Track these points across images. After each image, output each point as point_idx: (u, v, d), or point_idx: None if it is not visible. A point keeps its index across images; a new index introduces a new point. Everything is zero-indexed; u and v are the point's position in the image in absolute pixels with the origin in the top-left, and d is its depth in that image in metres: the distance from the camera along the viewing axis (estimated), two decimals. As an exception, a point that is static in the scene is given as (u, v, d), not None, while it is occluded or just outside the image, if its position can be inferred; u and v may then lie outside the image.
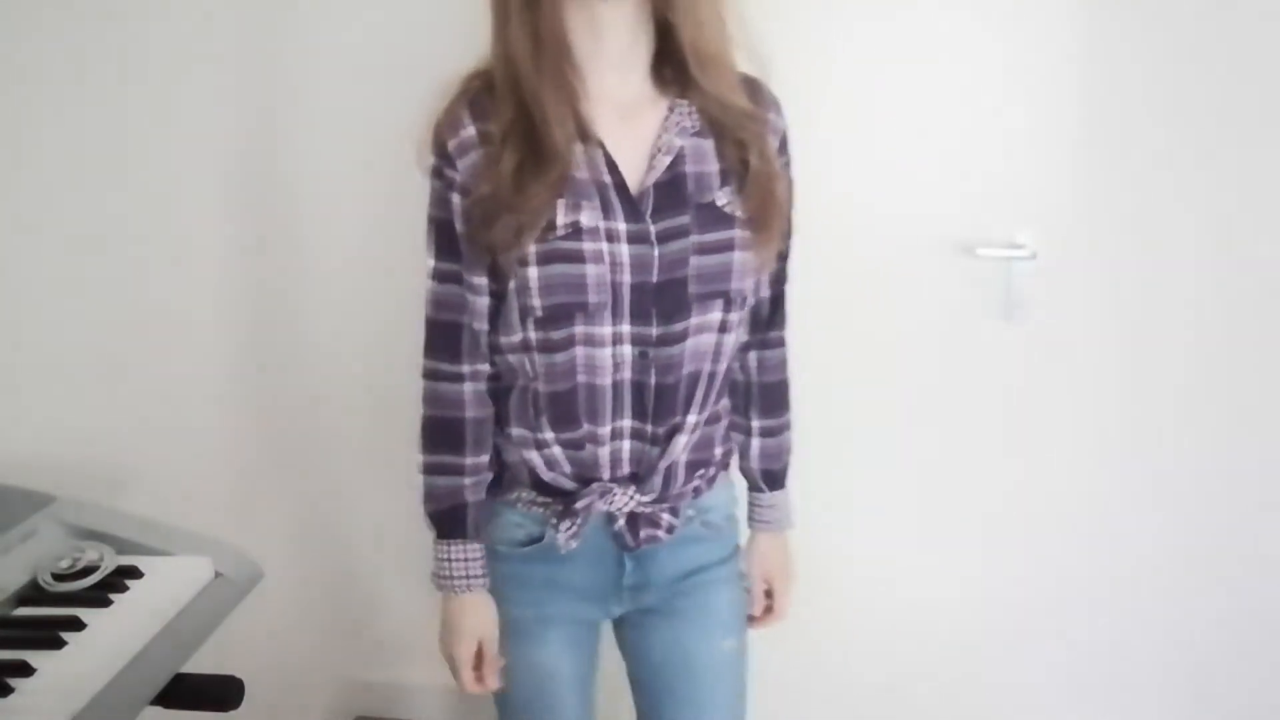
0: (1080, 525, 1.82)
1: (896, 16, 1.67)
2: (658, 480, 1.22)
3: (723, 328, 1.19)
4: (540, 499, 1.24)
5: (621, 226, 1.14)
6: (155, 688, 1.10)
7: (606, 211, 1.13)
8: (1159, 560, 1.81)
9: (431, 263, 1.20)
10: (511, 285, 1.15)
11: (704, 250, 1.15)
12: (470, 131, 1.15)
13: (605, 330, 1.15)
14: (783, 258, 1.29)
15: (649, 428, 1.19)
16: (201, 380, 1.94)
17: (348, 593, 2.09)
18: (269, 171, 1.88)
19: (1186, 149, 1.65)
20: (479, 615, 1.25)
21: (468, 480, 1.23)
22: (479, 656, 1.25)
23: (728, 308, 1.19)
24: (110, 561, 1.25)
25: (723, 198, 1.17)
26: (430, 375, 1.22)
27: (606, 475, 1.20)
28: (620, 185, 1.15)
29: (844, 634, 1.92)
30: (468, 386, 1.21)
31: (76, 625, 1.13)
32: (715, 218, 1.16)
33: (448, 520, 1.23)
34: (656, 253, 1.14)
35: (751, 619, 1.39)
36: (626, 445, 1.20)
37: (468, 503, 1.23)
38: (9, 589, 1.19)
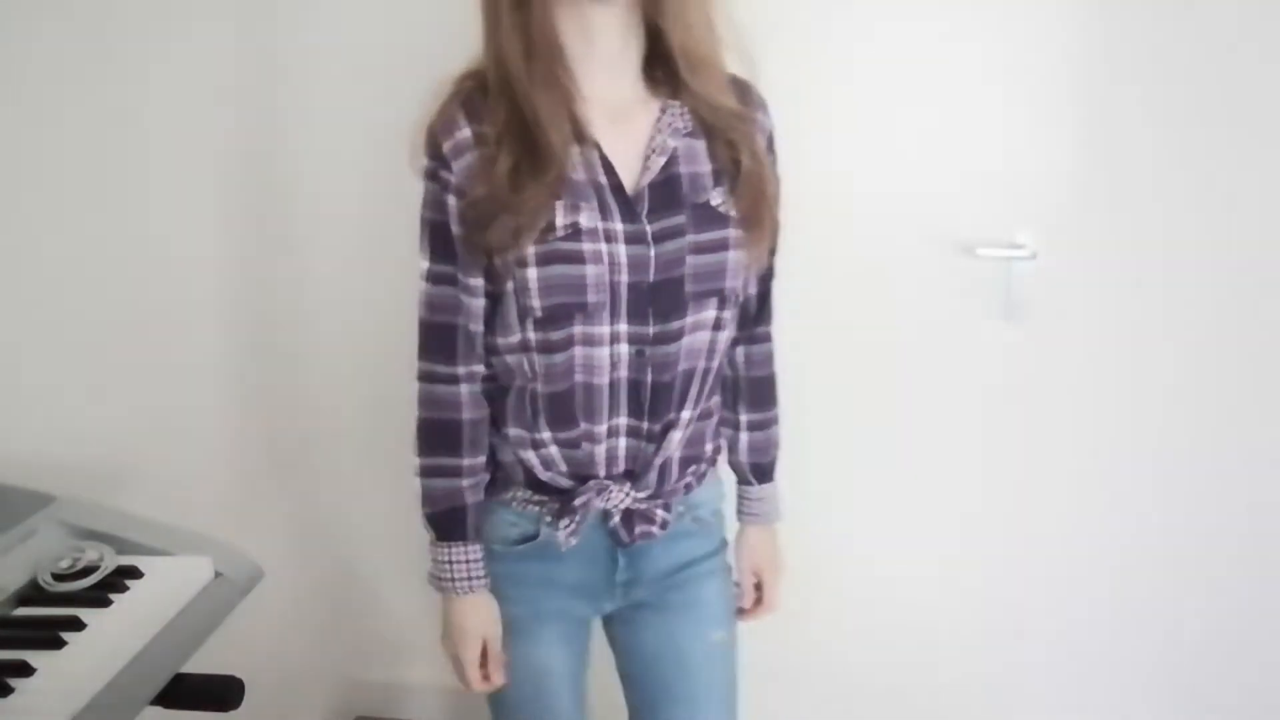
0: (1079, 524, 1.82)
1: (898, 16, 1.67)
2: (653, 477, 1.22)
3: (717, 325, 1.21)
4: (536, 498, 1.24)
5: (618, 227, 1.14)
6: (155, 688, 1.10)
7: (604, 212, 1.14)
8: (1159, 560, 1.81)
9: (425, 264, 1.19)
10: (509, 286, 1.15)
11: (700, 250, 1.16)
12: (465, 133, 1.15)
13: (603, 330, 1.15)
14: (771, 254, 1.30)
15: (645, 425, 1.20)
16: (201, 380, 1.94)
17: (348, 593, 2.09)
18: (269, 172, 1.88)
19: (1187, 149, 1.65)
20: (482, 615, 1.26)
21: (465, 482, 1.23)
22: (484, 655, 1.26)
23: (722, 305, 1.20)
24: (110, 561, 1.25)
25: (717, 197, 1.18)
26: (425, 377, 1.22)
27: (602, 473, 1.21)
28: (616, 186, 1.15)
29: (843, 633, 1.92)
30: (463, 388, 1.22)
31: (76, 625, 1.13)
32: (710, 217, 1.17)
33: (446, 522, 1.23)
34: (653, 253, 1.15)
35: (742, 611, 1.40)
36: (622, 443, 1.21)
37: (467, 504, 1.23)
38: (9, 589, 1.19)
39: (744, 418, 1.37)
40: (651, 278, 1.15)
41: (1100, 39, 1.65)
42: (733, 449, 1.38)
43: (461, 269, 1.18)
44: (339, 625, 2.11)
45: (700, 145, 1.18)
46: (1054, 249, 1.70)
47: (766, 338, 1.37)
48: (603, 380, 1.17)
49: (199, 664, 1.17)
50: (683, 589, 1.30)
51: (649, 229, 1.15)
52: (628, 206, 1.15)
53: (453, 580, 1.24)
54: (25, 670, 1.04)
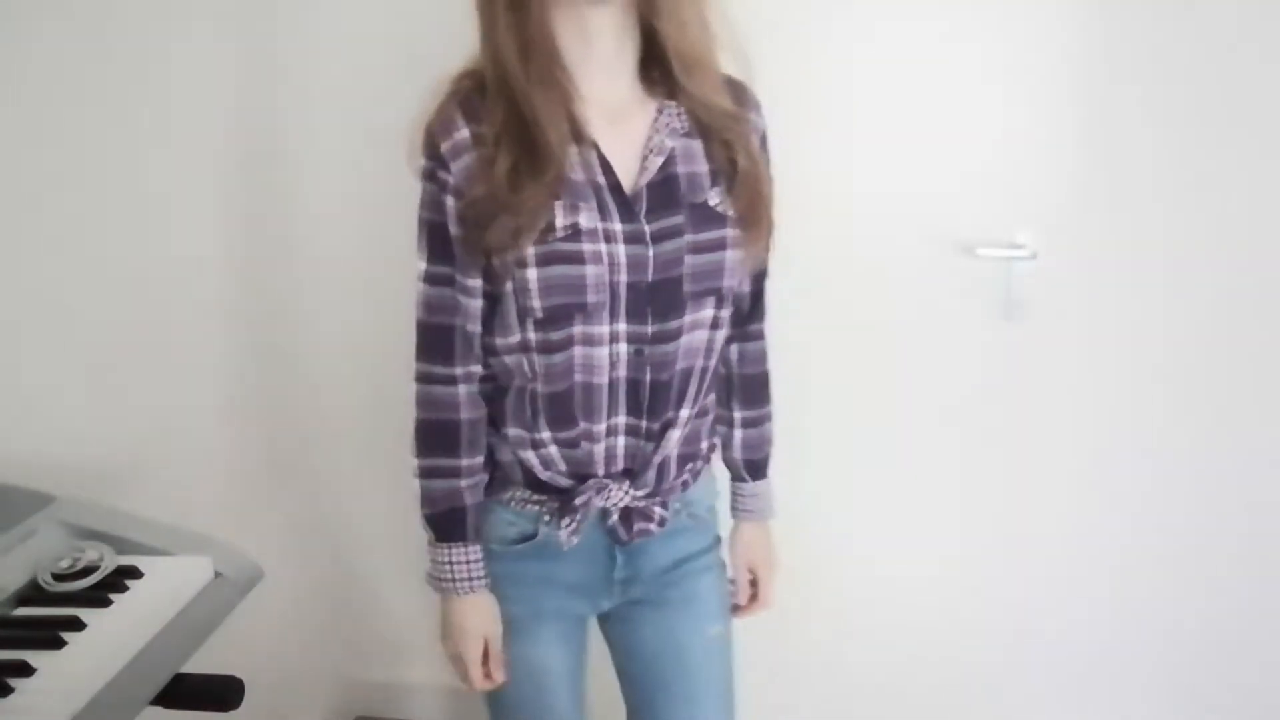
0: (1078, 523, 1.82)
1: (897, 16, 1.67)
2: (651, 475, 1.23)
3: (714, 324, 1.21)
4: (534, 497, 1.24)
5: (617, 227, 1.14)
6: (155, 688, 1.10)
7: (603, 212, 1.14)
8: (1159, 559, 1.81)
9: (423, 265, 1.19)
10: (508, 287, 1.15)
11: (698, 249, 1.17)
12: (464, 134, 1.14)
13: (603, 329, 1.15)
14: (764, 253, 1.30)
15: (644, 424, 1.20)
16: (201, 380, 1.94)
17: (347, 593, 2.09)
18: (269, 172, 1.88)
19: (1187, 149, 1.65)
20: (483, 614, 1.26)
21: (464, 482, 1.23)
22: (485, 654, 1.26)
23: (719, 304, 1.21)
24: (110, 561, 1.25)
25: (714, 197, 1.18)
26: (423, 378, 1.22)
27: (601, 472, 1.22)
28: (615, 186, 1.15)
29: (842, 632, 1.92)
30: (462, 389, 1.22)
31: (76, 625, 1.13)
32: (708, 217, 1.17)
33: (446, 523, 1.24)
34: (651, 252, 1.15)
35: (737, 608, 1.41)
36: (621, 441, 1.21)
37: (466, 505, 1.23)
38: (9, 589, 1.19)
39: (738, 415, 1.38)
40: (650, 277, 1.15)
41: (1100, 39, 1.65)
42: (727, 446, 1.39)
43: (459, 270, 1.18)
44: (339, 625, 2.11)
45: (697, 145, 1.19)
46: (1054, 249, 1.70)
47: (760, 335, 1.37)
48: (602, 380, 1.17)
49: (199, 664, 1.17)
50: (680, 585, 1.30)
51: (648, 229, 1.15)
52: (626, 207, 1.15)
53: (453, 581, 1.24)
54: (25, 670, 1.04)
